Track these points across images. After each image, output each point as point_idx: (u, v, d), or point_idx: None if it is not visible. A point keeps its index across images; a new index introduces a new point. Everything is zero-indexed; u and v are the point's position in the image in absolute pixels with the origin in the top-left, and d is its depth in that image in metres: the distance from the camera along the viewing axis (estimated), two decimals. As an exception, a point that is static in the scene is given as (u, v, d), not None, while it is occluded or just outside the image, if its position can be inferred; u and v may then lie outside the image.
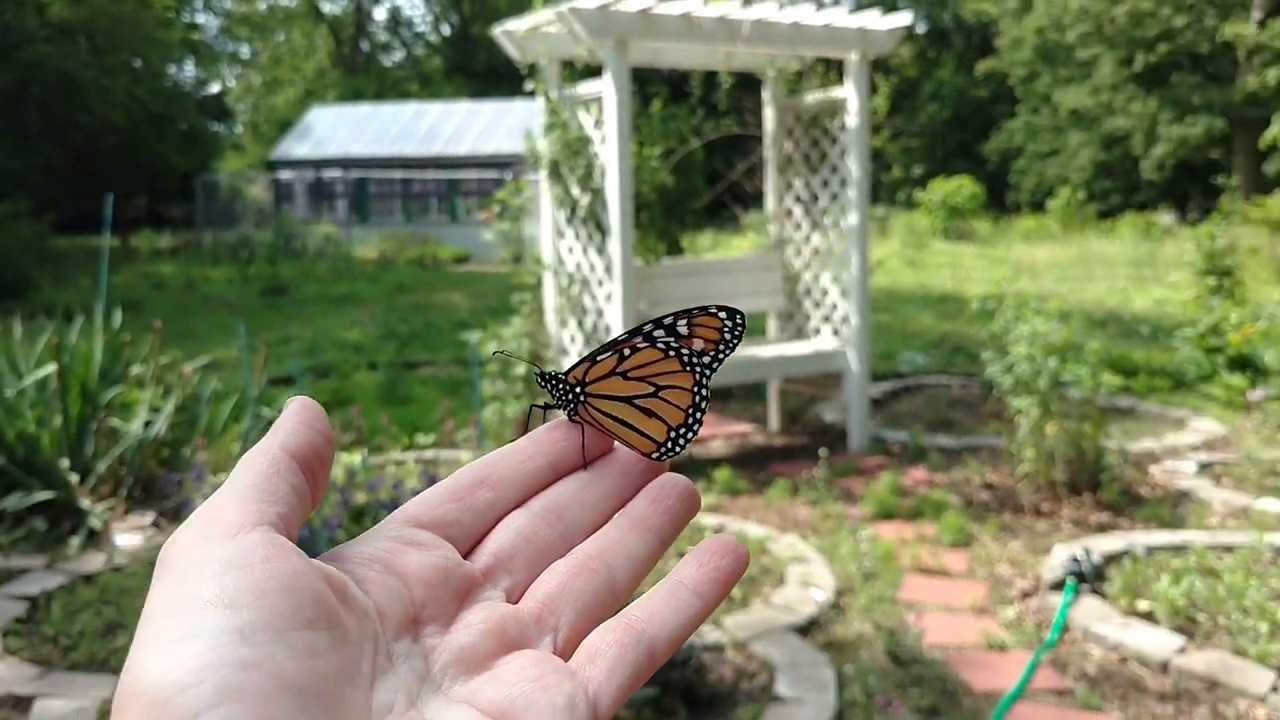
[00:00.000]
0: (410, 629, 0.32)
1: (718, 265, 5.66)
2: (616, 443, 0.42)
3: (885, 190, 26.57)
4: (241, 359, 4.64)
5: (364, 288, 13.63)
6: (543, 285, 5.19)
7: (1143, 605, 3.34)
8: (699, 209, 8.20)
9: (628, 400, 0.42)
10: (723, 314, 0.43)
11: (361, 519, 3.56)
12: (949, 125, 30.83)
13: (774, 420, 5.73)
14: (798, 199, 5.55)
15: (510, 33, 4.97)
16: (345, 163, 20.82)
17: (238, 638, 0.26)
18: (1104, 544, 3.82)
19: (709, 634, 3.11)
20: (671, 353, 0.42)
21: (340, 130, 21.78)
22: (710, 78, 5.67)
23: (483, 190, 19.49)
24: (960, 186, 20.70)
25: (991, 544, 4.00)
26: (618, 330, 4.62)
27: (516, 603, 0.35)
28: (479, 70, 33.23)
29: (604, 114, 4.60)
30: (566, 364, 5.05)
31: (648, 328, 0.42)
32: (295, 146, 21.81)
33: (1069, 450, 4.37)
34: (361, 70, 34.51)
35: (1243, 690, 2.82)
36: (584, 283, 4.92)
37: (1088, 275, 14.51)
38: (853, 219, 5.17)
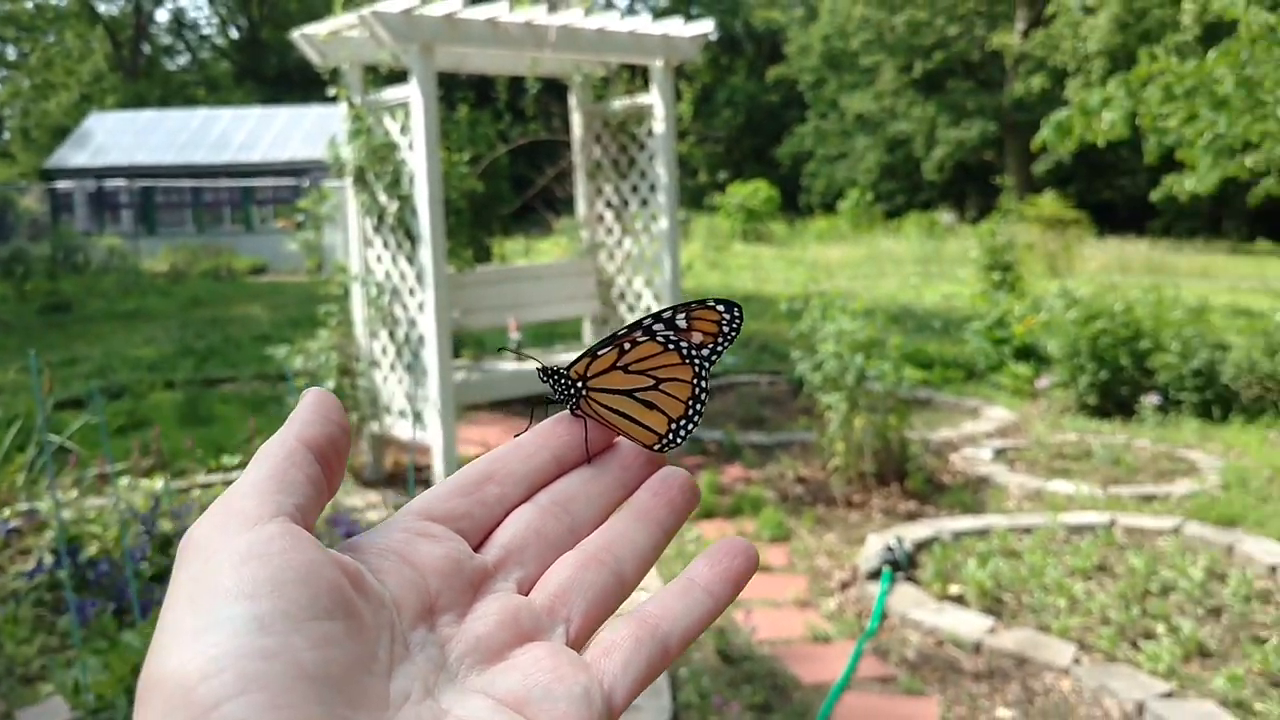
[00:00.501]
0: (426, 618, 0.32)
1: (532, 271, 5.62)
2: (618, 437, 0.42)
3: (691, 195, 27.09)
4: (24, 382, 4.32)
5: (155, 302, 12.92)
6: (350, 296, 5.04)
7: (954, 589, 3.50)
8: (507, 215, 8.14)
9: (629, 394, 0.43)
10: (720, 307, 0.43)
11: (168, 548, 3.36)
12: (743, 130, 31.70)
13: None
14: (608, 204, 5.57)
15: (310, 37, 4.81)
16: (129, 171, 19.68)
17: (257, 627, 0.27)
18: (914, 531, 3.99)
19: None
20: (671, 346, 0.43)
21: (123, 137, 20.59)
22: (516, 83, 5.63)
23: (279, 199, 18.80)
24: (756, 190, 21.31)
25: (809, 537, 4.11)
26: (431, 341, 4.53)
27: (527, 594, 0.36)
28: (271, 75, 32.07)
29: (410, 120, 4.50)
30: (377, 377, 4.92)
31: (647, 322, 0.43)
32: (73, 155, 20.49)
33: (876, 442, 4.55)
34: (143, 75, 32.72)
35: (1049, 664, 2.99)
36: (394, 292, 4.80)
37: (879, 273, 15.17)
38: (663, 223, 5.23)
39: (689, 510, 0.39)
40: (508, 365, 5.14)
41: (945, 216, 24.18)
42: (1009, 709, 2.81)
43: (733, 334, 0.44)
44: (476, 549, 0.36)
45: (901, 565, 3.62)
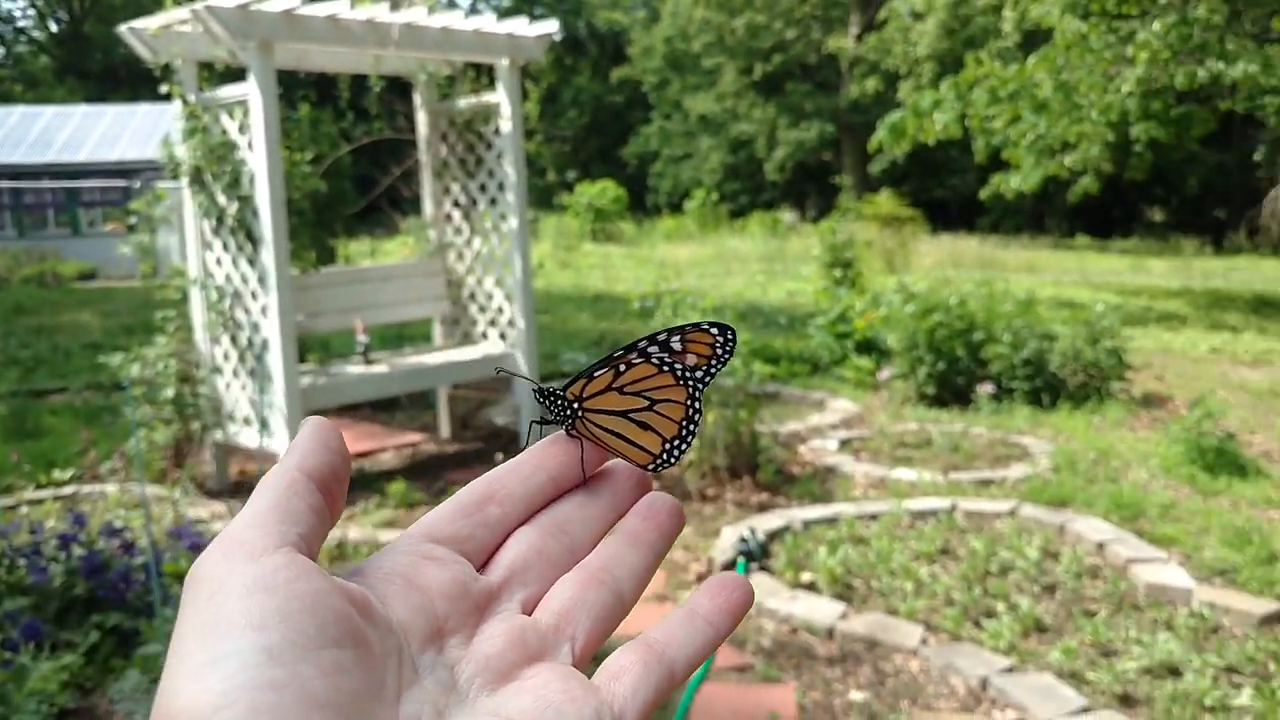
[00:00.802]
0: (434, 641, 0.33)
1: (379, 272, 5.52)
2: (610, 459, 0.43)
3: (540, 194, 27.00)
4: None
5: (-30, 311, 12.18)
6: (189, 300, 4.86)
7: (806, 577, 3.59)
8: (352, 215, 7.97)
9: (624, 414, 0.43)
10: (714, 329, 0.44)
11: (-5, 570, 3.17)
12: (589, 130, 31.80)
13: (445, 427, 5.68)
14: (456, 204, 5.51)
15: (139, 31, 4.61)
16: (-63, 172, 18.50)
17: (266, 658, 0.27)
18: (766, 522, 4.07)
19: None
20: (665, 368, 0.44)
21: (-71, 137, 19.32)
22: (360, 81, 5.52)
23: (108, 200, 17.94)
24: (604, 189, 21.40)
25: (665, 532, 4.15)
26: (275, 345, 4.41)
27: (531, 613, 0.36)
28: (95, 71, 30.57)
29: (250, 118, 4.36)
30: (220, 383, 4.76)
31: (642, 344, 0.44)
32: (-126, 155, 19.12)
33: (728, 436, 4.63)
34: (-50, 69, 30.80)
35: (898, 646, 3.10)
36: (236, 296, 4.65)
37: (726, 271, 15.43)
38: (513, 222, 5.21)
39: (676, 533, 0.40)
40: (355, 368, 5.03)
41: (788, 216, 24.76)
42: (861, 691, 2.90)
43: (726, 356, 0.44)
44: (480, 569, 0.37)
45: (755, 556, 3.70)
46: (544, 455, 0.41)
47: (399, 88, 5.81)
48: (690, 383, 0.44)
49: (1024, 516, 4.15)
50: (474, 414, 5.94)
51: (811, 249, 11.08)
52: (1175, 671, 2.97)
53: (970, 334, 6.21)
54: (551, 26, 5.24)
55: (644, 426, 0.44)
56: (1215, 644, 3.13)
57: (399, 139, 5.98)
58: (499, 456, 4.70)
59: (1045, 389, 6.16)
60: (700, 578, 3.69)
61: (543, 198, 25.94)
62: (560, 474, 0.41)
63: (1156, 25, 9.75)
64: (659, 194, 29.55)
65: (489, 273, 5.39)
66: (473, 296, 5.50)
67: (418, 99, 5.57)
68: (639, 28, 31.87)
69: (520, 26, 5.12)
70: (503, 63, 5.12)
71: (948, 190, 25.13)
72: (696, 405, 0.44)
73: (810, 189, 28.61)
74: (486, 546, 0.38)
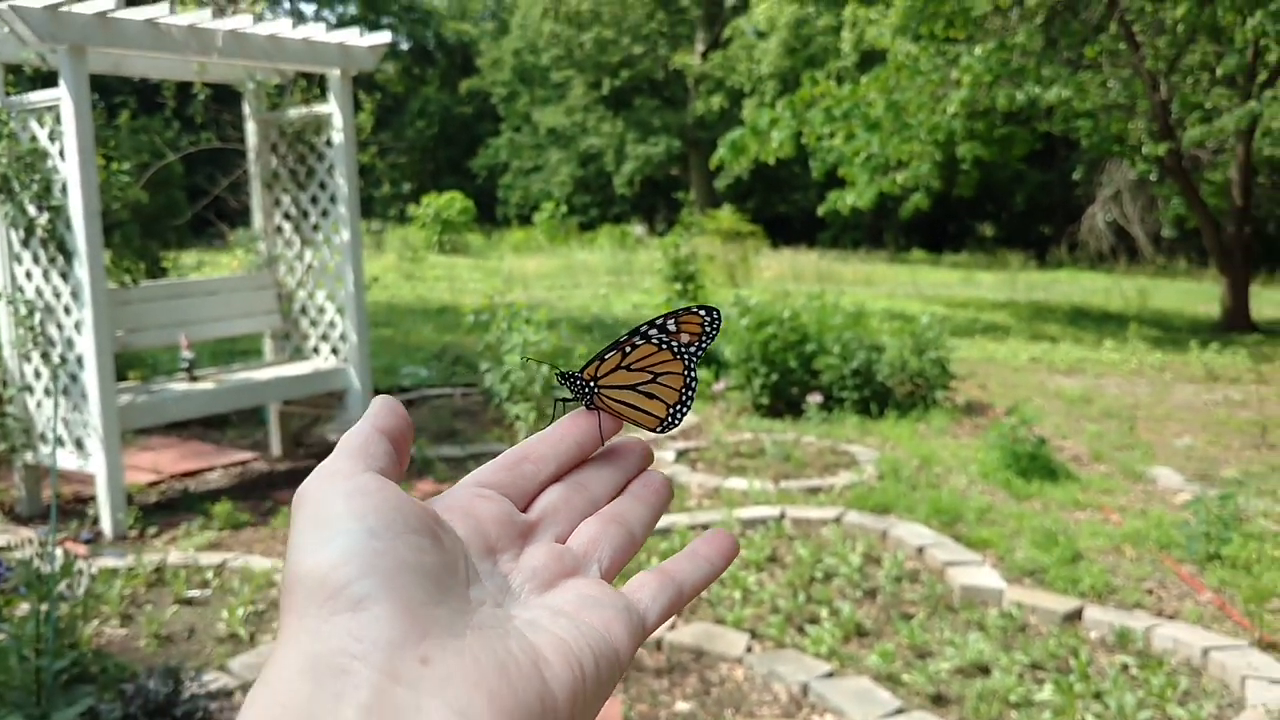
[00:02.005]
0: (489, 556, 0.41)
1: (205, 285, 5.33)
2: (621, 433, 0.51)
3: (379, 206, 26.53)
4: None
5: None
6: (-4, 316, 4.61)
7: (637, 588, 3.62)
8: (181, 226, 7.70)
9: (632, 388, 0.51)
10: (702, 311, 0.52)
11: None
12: (437, 141, 31.45)
13: (276, 445, 5.53)
14: (287, 215, 5.38)
15: (-63, 30, 4.36)
16: None
17: (369, 536, 0.34)
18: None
19: (212, 681, 2.93)
20: (664, 346, 0.52)
21: None
22: (186, 88, 5.34)
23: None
24: (452, 201, 21.19)
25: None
26: (90, 362, 4.22)
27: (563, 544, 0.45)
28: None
29: (61, 125, 4.18)
30: (30, 403, 4.53)
31: (643, 328, 0.52)
32: None
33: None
34: None
35: (724, 655, 3.16)
36: (48, 310, 4.43)
37: (574, 284, 15.46)
38: (345, 235, 5.11)
39: (668, 498, 0.49)
40: (179, 385, 4.86)
41: (636, 229, 24.98)
42: (688, 701, 2.95)
43: (714, 333, 0.52)
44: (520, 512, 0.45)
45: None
46: (569, 425, 0.49)
47: (230, 96, 5.65)
48: (686, 357, 0.52)
49: (849, 523, 4.28)
50: (307, 431, 5.80)
51: (656, 262, 11.21)
52: (985, 670, 3.10)
53: (802, 346, 6.38)
54: (385, 37, 5.17)
55: (650, 396, 0.52)
56: (1022, 642, 3.28)
57: (228, 149, 5.81)
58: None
59: (873, 398, 6.37)
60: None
61: (387, 209, 25.51)
62: (583, 440, 0.49)
63: (979, 50, 10.22)
64: (508, 206, 29.44)
65: (321, 286, 5.28)
66: (304, 310, 5.38)
67: (246, 108, 5.42)
68: (488, 39, 31.76)
69: (352, 37, 5.04)
70: (334, 73, 5.03)
71: (790, 205, 25.76)
72: (692, 375, 0.52)
73: (659, 203, 28.94)
74: (525, 494, 0.45)
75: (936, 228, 25.06)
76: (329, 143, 5.12)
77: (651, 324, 0.52)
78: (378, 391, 6.60)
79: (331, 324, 5.27)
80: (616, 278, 16.06)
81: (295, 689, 0.31)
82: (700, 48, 27.00)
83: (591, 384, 0.51)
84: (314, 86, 5.41)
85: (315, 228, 5.25)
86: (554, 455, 0.47)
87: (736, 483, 4.88)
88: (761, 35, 23.83)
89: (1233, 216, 11.83)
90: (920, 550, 3.99)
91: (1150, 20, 11.87)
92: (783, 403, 6.39)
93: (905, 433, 5.86)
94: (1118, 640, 3.30)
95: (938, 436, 5.89)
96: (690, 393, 0.53)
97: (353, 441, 0.40)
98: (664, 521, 4.25)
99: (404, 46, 31.73)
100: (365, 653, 0.32)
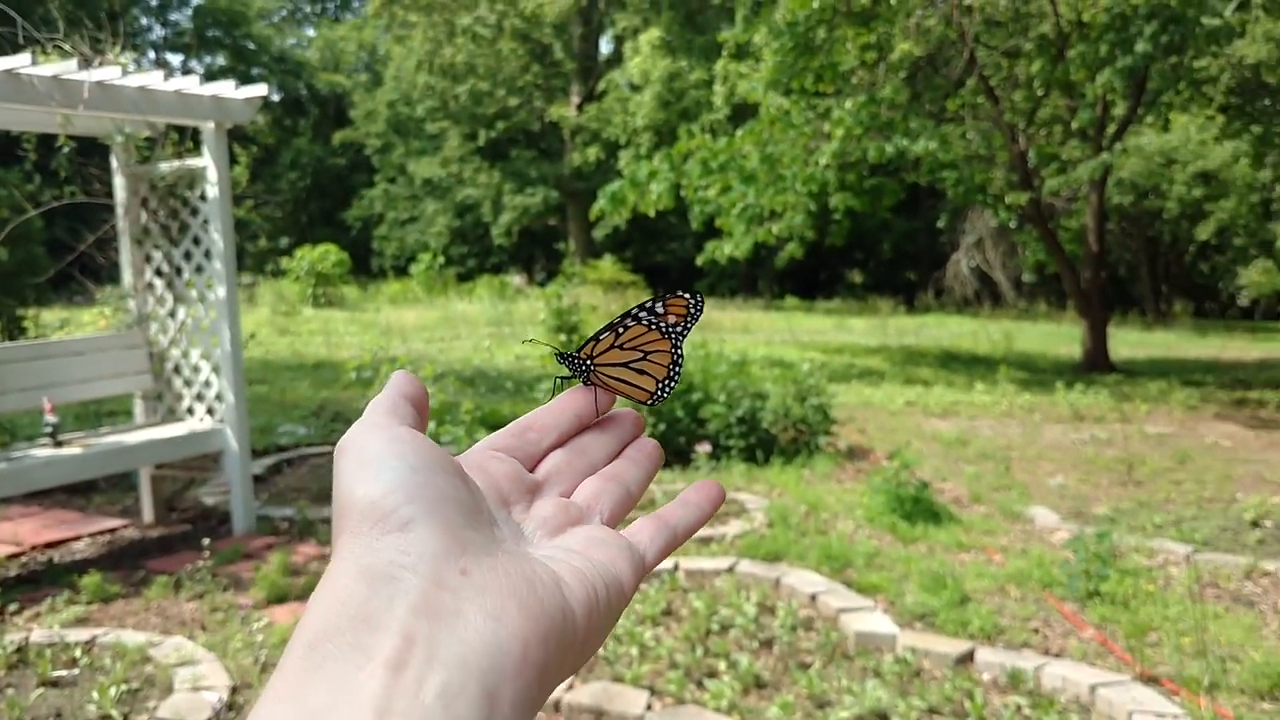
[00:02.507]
0: (504, 506, 0.46)
1: (70, 346, 5.10)
2: (616, 404, 0.55)
3: (251, 260, 25.91)
4: None
5: None
6: None
7: (532, 648, 3.55)
8: (41, 283, 7.39)
9: (625, 365, 0.57)
10: (687, 295, 0.57)
11: None
12: (310, 193, 30.96)
13: (148, 511, 5.29)
14: (159, 272, 5.20)
15: None
16: None
17: (410, 471, 0.39)
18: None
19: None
20: (652, 326, 0.57)
21: None
22: (49, 140, 5.13)
23: None
24: (326, 253, 20.84)
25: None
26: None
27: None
28: None
29: (-87, 180, 3.97)
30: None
31: (634, 310, 0.56)
32: None
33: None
34: None
35: (623, 714, 3.11)
36: (-102, 376, 4.18)
37: (454, 335, 15.31)
38: (221, 291, 4.96)
39: (659, 462, 0.54)
40: (42, 451, 4.62)
41: (515, 279, 24.94)
42: (589, 762, 2.89)
43: (698, 314, 0.57)
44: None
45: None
46: (568, 399, 0.54)
47: (97, 149, 5.45)
48: (672, 336, 0.57)
49: (742, 573, 4.29)
50: (180, 494, 5.58)
51: (539, 313, 11.17)
52: (884, 717, 3.12)
53: (689, 395, 6.41)
54: (261, 90, 5.07)
55: (641, 372, 0.57)
56: (918, 687, 3.32)
57: (95, 203, 5.60)
58: (206, 542, 4.41)
59: (759, 445, 6.43)
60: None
61: (259, 263, 24.94)
62: (582, 412, 0.54)
63: (849, 104, 10.53)
64: (384, 257, 29.10)
65: (195, 344, 5.10)
66: (178, 370, 5.19)
67: (115, 162, 5.24)
68: (361, 90, 31.49)
69: (227, 89, 4.92)
70: (208, 126, 4.90)
71: (668, 255, 26.06)
72: (679, 352, 0.58)
73: (538, 253, 28.96)
74: (531, 458, 0.51)
75: (809, 275, 25.65)
76: (203, 197, 4.98)
77: (642, 306, 0.56)
78: (255, 453, 6.40)
79: (207, 383, 5.09)
80: (497, 329, 15.96)
81: (353, 591, 0.35)
82: (576, 100, 27.24)
83: (588, 362, 0.56)
84: (187, 139, 5.26)
85: (189, 284, 5.09)
86: (555, 425, 0.53)
87: (628, 535, 4.84)
88: (636, 89, 24.18)
89: (1089, 262, 12.39)
90: (813, 598, 4.02)
91: (1007, 75, 12.43)
92: (671, 453, 6.41)
93: (791, 479, 5.92)
94: (1009, 681, 3.36)
95: (823, 482, 5.97)
96: (677, 369, 0.58)
97: (383, 404, 0.45)
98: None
99: (275, 98, 31.23)
100: (413, 564, 0.36)
